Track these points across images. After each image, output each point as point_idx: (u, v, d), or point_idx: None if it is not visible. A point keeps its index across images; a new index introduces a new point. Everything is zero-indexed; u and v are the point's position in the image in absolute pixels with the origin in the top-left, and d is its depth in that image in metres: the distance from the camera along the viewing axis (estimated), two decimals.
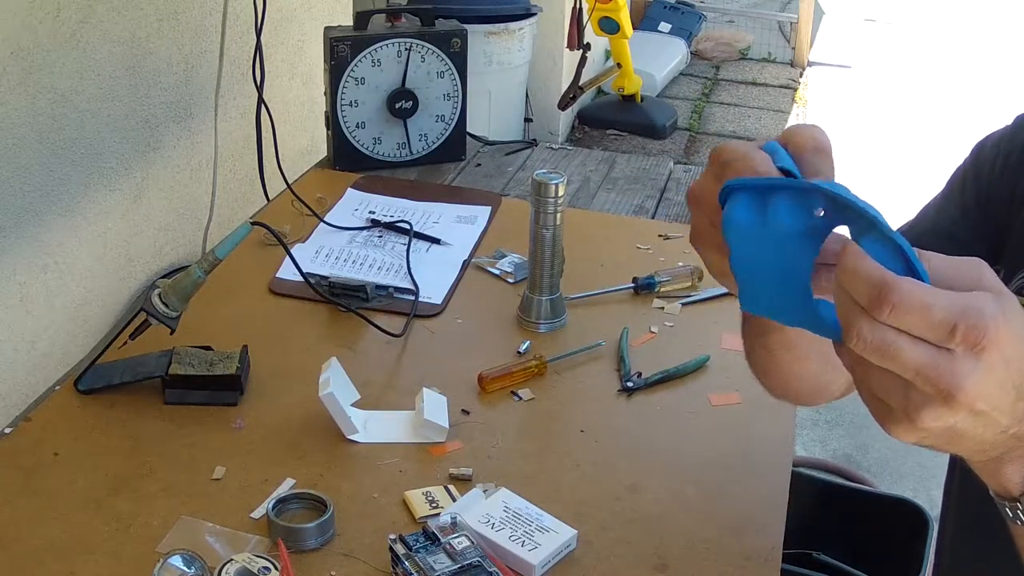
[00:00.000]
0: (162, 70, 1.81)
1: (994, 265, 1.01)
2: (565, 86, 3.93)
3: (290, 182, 1.76)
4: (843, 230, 0.63)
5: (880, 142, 4.77)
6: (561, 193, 1.35)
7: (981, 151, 1.06)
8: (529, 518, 1.04)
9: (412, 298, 1.45)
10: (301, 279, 1.36)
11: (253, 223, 1.25)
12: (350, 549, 1.02)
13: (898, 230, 1.16)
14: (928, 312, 0.58)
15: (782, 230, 0.64)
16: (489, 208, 1.74)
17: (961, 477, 1.09)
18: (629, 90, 4.43)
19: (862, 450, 2.72)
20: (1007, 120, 1.05)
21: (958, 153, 1.11)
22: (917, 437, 0.62)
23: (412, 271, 1.52)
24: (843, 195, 0.61)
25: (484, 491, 1.09)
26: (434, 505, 1.07)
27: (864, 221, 0.60)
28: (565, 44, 3.90)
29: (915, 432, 0.61)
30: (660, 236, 1.67)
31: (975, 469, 0.69)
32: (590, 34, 3.89)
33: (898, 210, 1.06)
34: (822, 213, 0.62)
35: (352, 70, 1.78)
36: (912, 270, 0.59)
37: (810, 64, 5.70)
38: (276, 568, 0.96)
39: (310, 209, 1.68)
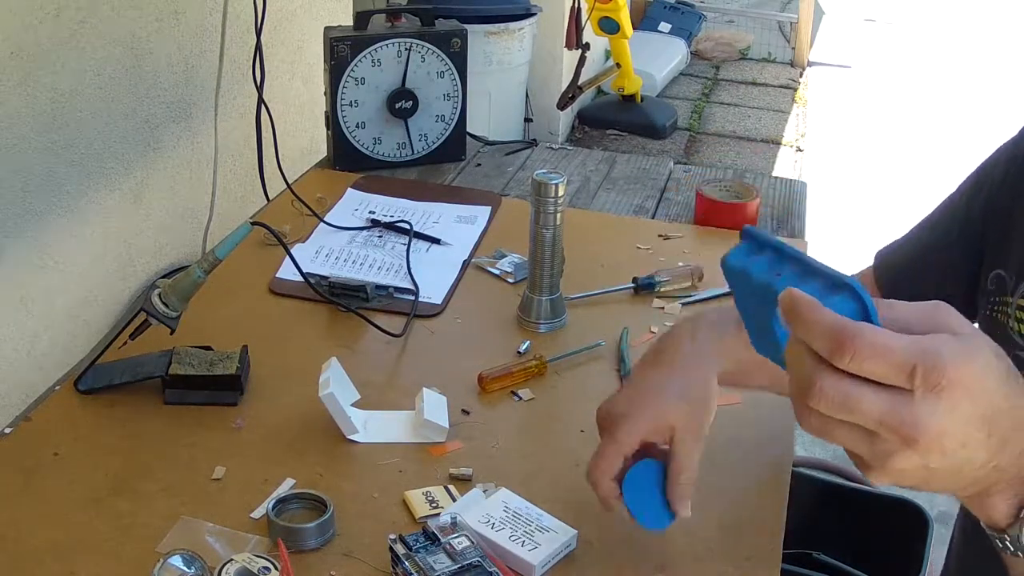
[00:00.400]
0: (162, 70, 1.81)
1: (990, 273, 1.02)
2: (565, 86, 3.93)
3: (290, 182, 1.76)
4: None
5: (880, 142, 4.77)
6: (561, 193, 1.34)
7: (987, 164, 1.07)
8: (529, 518, 1.04)
9: (412, 298, 1.45)
10: (301, 279, 1.36)
11: (253, 223, 1.25)
12: (350, 549, 1.02)
13: (902, 237, 1.17)
14: (888, 354, 0.59)
15: (751, 280, 0.68)
16: (489, 208, 1.74)
17: None
18: (629, 90, 4.43)
19: None
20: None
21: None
22: (893, 480, 0.63)
23: (412, 271, 1.52)
24: (812, 262, 0.65)
25: (484, 491, 1.09)
26: (434, 505, 1.07)
27: (833, 282, 0.63)
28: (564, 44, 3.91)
29: (889, 476, 0.62)
30: (660, 236, 1.67)
31: (964, 504, 0.69)
32: (590, 34, 3.89)
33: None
34: (779, 275, 0.66)
35: (352, 70, 1.78)
36: (870, 321, 0.61)
37: (810, 64, 5.70)
38: (276, 568, 0.96)
39: (310, 209, 1.68)
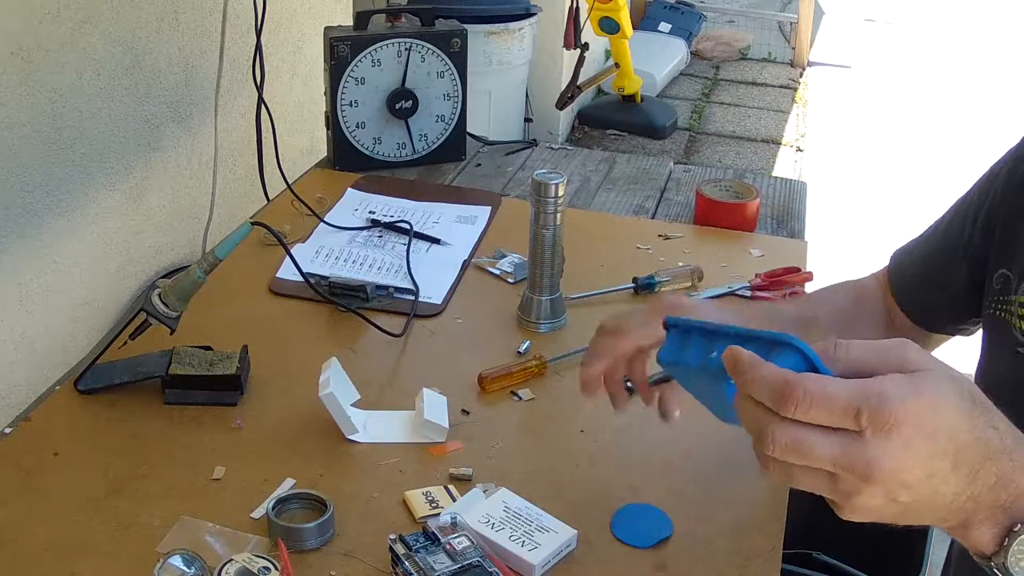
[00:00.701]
0: (162, 70, 1.80)
1: (995, 272, 1.03)
2: (565, 86, 3.93)
3: (290, 182, 1.76)
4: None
5: (880, 142, 4.77)
6: (561, 193, 1.34)
7: (995, 166, 1.08)
8: (529, 518, 1.04)
9: (412, 298, 1.45)
10: (301, 279, 1.36)
11: (253, 223, 1.25)
12: (350, 549, 1.02)
13: (915, 239, 1.18)
14: (831, 401, 0.61)
15: (690, 366, 0.73)
16: (489, 208, 1.74)
17: None
18: (629, 90, 4.43)
19: None
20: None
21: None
22: (865, 518, 0.64)
23: (412, 271, 1.52)
24: (745, 331, 0.68)
25: (484, 491, 1.09)
26: (434, 505, 1.07)
27: (771, 342, 0.65)
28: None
29: (859, 514, 0.64)
30: (660, 236, 1.67)
31: (949, 534, 0.70)
32: (590, 34, 3.89)
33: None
34: (714, 354, 0.69)
35: (352, 70, 1.78)
36: (817, 371, 0.63)
37: (810, 64, 5.70)
38: (276, 568, 0.96)
39: (310, 209, 1.68)
